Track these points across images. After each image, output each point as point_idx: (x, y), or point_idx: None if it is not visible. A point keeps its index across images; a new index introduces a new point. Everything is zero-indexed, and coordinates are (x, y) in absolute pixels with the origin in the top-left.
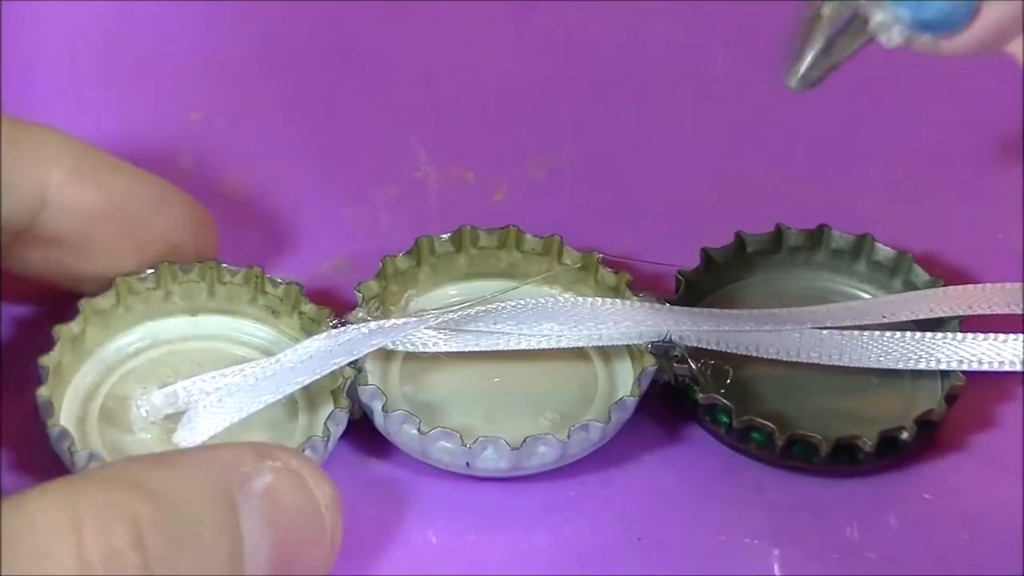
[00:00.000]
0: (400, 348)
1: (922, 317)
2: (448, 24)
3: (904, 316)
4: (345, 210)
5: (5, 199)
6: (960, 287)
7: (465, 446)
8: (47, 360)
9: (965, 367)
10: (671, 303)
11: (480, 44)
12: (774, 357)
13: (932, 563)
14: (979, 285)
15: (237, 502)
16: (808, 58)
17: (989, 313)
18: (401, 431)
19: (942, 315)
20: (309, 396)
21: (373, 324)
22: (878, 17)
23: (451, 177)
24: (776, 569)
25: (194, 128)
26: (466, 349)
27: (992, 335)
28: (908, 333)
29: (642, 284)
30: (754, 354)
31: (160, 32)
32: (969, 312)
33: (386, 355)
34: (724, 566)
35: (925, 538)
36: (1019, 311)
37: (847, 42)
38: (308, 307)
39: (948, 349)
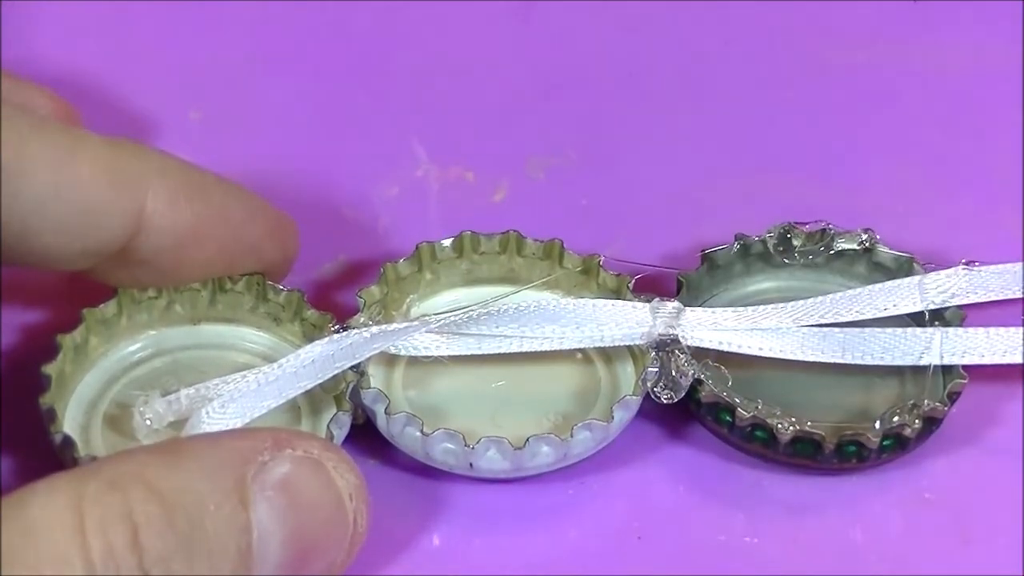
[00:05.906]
0: (402, 352)
1: (920, 306)
2: (448, 24)
3: (905, 306)
4: (345, 210)
5: (100, 225)
6: (957, 270)
7: (468, 447)
8: (50, 369)
9: (967, 360)
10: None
11: (480, 44)
12: (776, 356)
13: (932, 563)
14: (977, 268)
15: (249, 494)
16: None
17: (986, 300)
18: (404, 433)
19: (941, 303)
20: (312, 401)
21: (375, 328)
22: None
23: (451, 177)
24: (776, 569)
25: (194, 128)
26: (468, 352)
27: (994, 328)
28: (910, 329)
29: (643, 286)
30: (756, 353)
31: (160, 32)
32: (968, 299)
33: (389, 361)
34: (724, 566)
35: (925, 538)
36: (1017, 295)
37: None
38: (310, 313)
39: (949, 344)
